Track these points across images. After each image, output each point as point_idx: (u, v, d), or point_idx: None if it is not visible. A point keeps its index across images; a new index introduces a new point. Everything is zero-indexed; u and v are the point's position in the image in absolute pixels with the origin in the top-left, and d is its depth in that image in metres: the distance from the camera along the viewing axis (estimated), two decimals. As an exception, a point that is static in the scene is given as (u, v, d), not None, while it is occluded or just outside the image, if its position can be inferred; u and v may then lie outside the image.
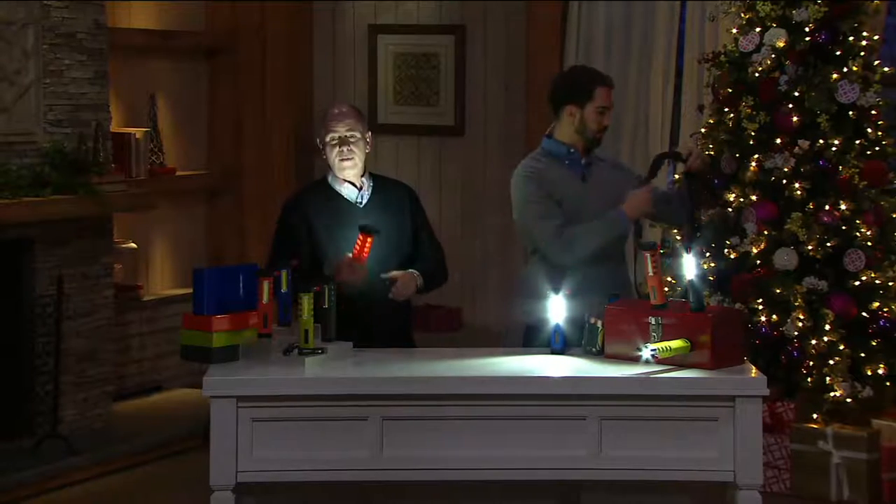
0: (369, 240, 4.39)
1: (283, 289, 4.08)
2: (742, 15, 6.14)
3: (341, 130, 4.51)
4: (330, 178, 4.60)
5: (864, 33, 5.96)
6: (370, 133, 4.66)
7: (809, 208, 5.81)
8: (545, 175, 4.62)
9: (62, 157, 5.93)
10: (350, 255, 4.40)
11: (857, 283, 5.73)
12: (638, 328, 3.94)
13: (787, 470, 5.55)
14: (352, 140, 4.51)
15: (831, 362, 5.61)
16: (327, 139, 4.53)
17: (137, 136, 6.74)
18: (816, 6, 5.92)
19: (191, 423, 6.22)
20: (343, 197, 4.57)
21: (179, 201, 7.32)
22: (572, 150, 4.67)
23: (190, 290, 4.09)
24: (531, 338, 4.45)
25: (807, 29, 5.93)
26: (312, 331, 3.96)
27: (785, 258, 5.79)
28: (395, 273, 4.48)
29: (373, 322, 4.43)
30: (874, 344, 5.70)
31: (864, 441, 5.40)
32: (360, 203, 4.57)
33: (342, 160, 4.51)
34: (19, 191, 5.70)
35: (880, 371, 5.65)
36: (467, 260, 7.43)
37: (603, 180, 4.69)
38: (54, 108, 6.02)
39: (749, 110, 5.96)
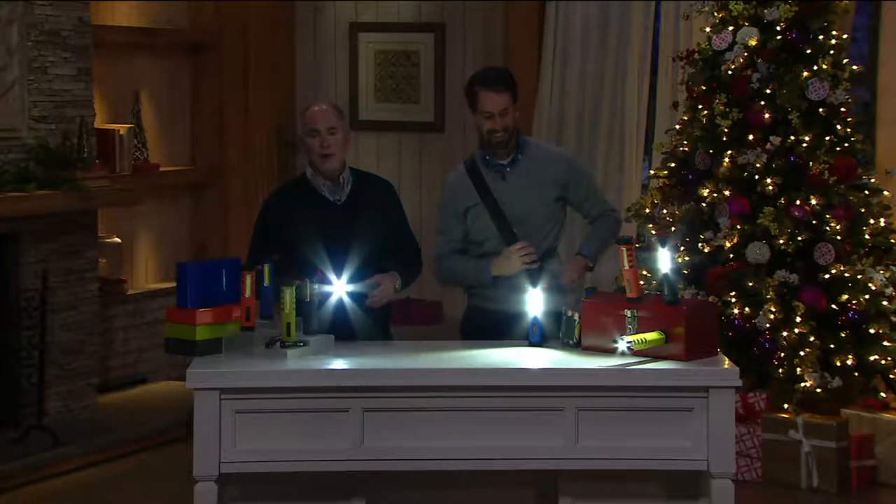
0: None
1: (266, 283, 4.11)
2: (715, 14, 6.23)
3: (321, 125, 4.49)
4: (309, 175, 4.58)
5: (834, 32, 6.06)
6: (350, 132, 4.66)
7: (781, 203, 5.90)
8: (456, 189, 4.62)
9: (47, 152, 5.95)
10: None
11: (826, 276, 5.82)
12: (614, 321, 4.00)
13: (758, 458, 5.62)
14: (331, 134, 4.49)
15: (802, 353, 5.69)
16: (307, 134, 4.51)
17: (121, 132, 6.76)
18: (788, 5, 6.01)
19: (175, 415, 6.27)
20: (321, 195, 4.54)
21: (163, 196, 7.35)
22: (487, 157, 4.62)
23: (174, 284, 4.14)
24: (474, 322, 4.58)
25: (778, 28, 6.02)
26: (294, 324, 4.01)
27: (757, 252, 5.88)
28: (377, 277, 4.46)
29: (351, 317, 4.39)
30: (843, 335, 5.80)
31: (834, 430, 5.49)
32: (339, 201, 4.55)
33: (322, 155, 4.49)
34: (4, 186, 5.72)
35: (849, 362, 5.74)
36: (447, 254, 7.48)
37: (525, 176, 4.60)
38: (38, 104, 6.05)
39: (722, 107, 6.04)
